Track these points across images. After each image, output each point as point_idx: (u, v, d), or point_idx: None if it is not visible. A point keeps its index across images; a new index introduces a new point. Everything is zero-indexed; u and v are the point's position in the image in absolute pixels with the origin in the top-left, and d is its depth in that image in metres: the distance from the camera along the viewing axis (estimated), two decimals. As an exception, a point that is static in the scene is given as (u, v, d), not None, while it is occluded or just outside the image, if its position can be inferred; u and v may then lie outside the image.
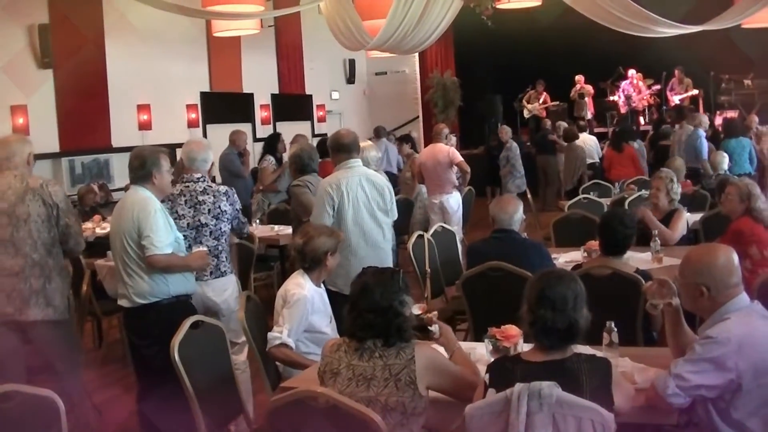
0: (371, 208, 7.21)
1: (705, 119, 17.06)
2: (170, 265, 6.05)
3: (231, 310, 6.74)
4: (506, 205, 7.05)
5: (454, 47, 24.04)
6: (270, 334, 5.56)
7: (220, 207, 6.72)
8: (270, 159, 13.06)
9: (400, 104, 23.38)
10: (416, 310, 4.71)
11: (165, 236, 5.99)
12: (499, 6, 12.37)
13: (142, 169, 6.13)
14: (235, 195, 7.03)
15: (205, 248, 6.47)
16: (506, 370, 3.92)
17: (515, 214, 6.92)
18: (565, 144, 17.39)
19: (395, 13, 12.61)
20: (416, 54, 22.24)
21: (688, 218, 9.43)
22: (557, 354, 3.90)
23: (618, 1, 14.02)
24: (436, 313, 4.91)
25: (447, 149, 12.79)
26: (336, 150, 7.33)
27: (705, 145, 14.64)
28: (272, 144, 13.52)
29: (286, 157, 12.90)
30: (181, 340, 5.08)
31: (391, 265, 7.53)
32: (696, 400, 4.05)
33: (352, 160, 7.29)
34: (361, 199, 7.14)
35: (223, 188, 6.93)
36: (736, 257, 4.26)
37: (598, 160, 17.28)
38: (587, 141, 17.82)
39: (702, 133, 14.85)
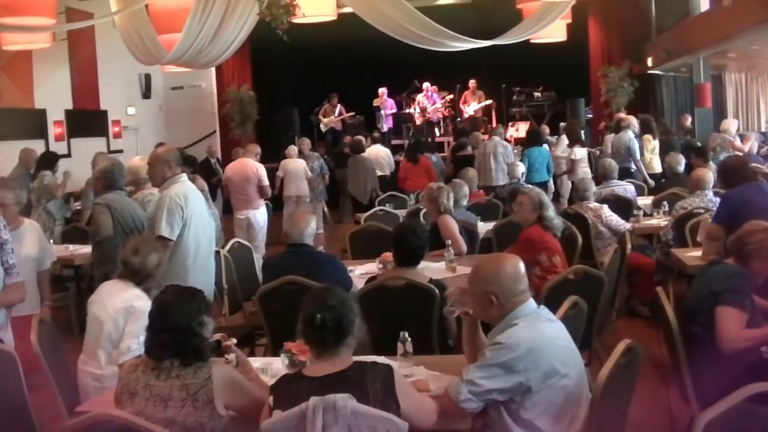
0: (205, 221, 7.47)
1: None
2: None
3: None
4: (298, 219, 7.18)
5: (251, 61, 24.04)
6: (124, 345, 5.46)
7: None
8: (48, 173, 12.76)
9: (197, 119, 23.18)
10: (216, 337, 4.71)
11: None
12: (295, 20, 12.40)
13: None
14: None
15: (22, 279, 6.24)
16: (290, 388, 3.92)
17: (307, 228, 7.04)
18: (352, 157, 17.30)
19: (191, 27, 12.53)
20: (213, 68, 22.13)
21: (481, 227, 9.74)
22: (338, 365, 3.93)
23: (411, 16, 14.33)
24: (234, 340, 4.91)
25: (255, 166, 12.87)
26: (182, 163, 7.55)
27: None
28: (48, 161, 13.23)
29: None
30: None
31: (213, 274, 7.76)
32: (489, 404, 4.16)
33: (185, 174, 7.50)
34: (199, 213, 7.35)
35: None
36: (522, 265, 4.42)
37: (389, 173, 17.48)
38: (379, 153, 17.95)
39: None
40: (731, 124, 16.78)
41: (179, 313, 4.18)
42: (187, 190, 7.31)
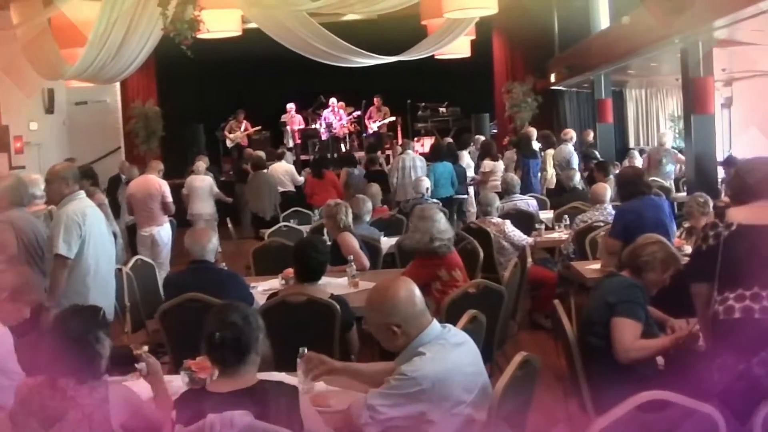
0: (105, 238, 7.45)
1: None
2: None
3: None
4: (200, 236, 7.15)
5: (156, 76, 23.80)
6: None
7: None
8: None
9: (102, 134, 22.85)
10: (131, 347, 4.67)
11: None
12: (200, 36, 12.31)
13: None
14: None
15: None
16: (193, 404, 3.88)
17: (209, 245, 7.02)
18: (253, 173, 16.89)
19: (94, 41, 12.36)
20: (118, 83, 21.89)
21: (384, 242, 9.79)
22: (241, 383, 3.91)
23: (317, 32, 14.35)
24: (146, 348, 4.85)
25: (158, 183, 12.75)
26: (80, 178, 7.57)
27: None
28: None
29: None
30: None
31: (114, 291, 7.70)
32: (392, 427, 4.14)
33: (83, 192, 7.43)
34: (98, 229, 7.32)
35: None
36: (414, 286, 4.39)
37: (293, 189, 17.41)
38: (278, 170, 17.57)
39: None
40: (668, 136, 17.14)
41: (75, 326, 4.12)
42: (85, 207, 7.24)
